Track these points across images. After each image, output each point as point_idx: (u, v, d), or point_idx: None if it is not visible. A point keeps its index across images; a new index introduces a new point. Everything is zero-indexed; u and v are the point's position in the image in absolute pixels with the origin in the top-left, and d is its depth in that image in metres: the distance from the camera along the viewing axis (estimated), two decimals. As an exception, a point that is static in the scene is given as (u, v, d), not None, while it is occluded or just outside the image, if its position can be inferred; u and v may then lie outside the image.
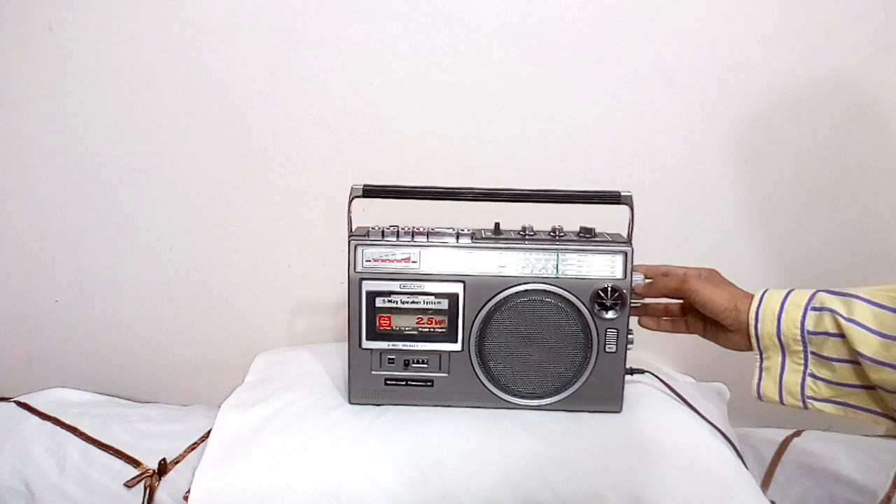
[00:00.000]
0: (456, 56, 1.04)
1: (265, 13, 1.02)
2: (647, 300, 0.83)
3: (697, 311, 0.82)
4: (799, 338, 0.74)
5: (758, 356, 0.78)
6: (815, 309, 0.74)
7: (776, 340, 0.75)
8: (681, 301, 0.85)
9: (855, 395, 0.74)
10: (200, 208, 1.10)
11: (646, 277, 0.82)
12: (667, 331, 0.86)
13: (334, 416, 0.80)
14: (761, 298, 0.76)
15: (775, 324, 0.75)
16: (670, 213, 1.09)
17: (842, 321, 0.71)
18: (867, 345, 0.69)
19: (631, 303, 0.79)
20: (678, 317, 0.85)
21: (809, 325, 0.74)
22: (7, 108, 1.07)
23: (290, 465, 0.74)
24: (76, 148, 1.08)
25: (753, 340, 0.77)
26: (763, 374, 0.78)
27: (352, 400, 0.82)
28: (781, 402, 0.77)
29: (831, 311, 0.72)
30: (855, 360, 0.71)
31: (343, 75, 1.04)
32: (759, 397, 0.79)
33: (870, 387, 0.72)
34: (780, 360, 0.76)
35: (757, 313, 0.76)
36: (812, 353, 0.74)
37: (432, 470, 0.74)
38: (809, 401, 0.76)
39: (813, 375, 0.75)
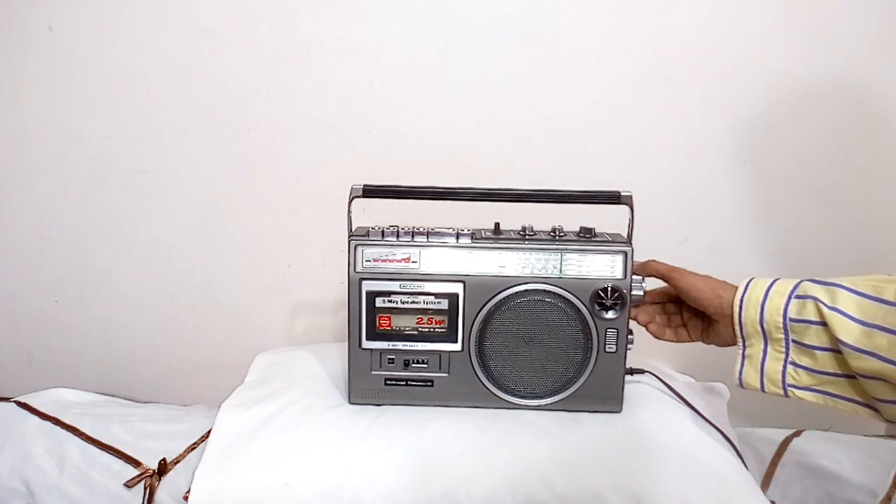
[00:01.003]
0: (456, 56, 1.04)
1: (265, 13, 1.02)
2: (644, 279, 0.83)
3: (696, 316, 0.83)
4: (781, 325, 0.75)
5: (741, 344, 0.78)
6: (798, 297, 0.74)
7: (759, 328, 0.76)
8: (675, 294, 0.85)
9: (835, 384, 0.74)
10: (200, 208, 1.10)
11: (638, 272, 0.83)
12: (671, 340, 0.86)
13: (334, 416, 0.80)
14: (747, 286, 0.77)
15: (758, 311, 0.75)
16: (670, 213, 1.09)
17: (824, 309, 0.71)
18: (848, 332, 0.70)
19: (631, 304, 0.79)
20: (679, 325, 0.86)
21: (792, 313, 0.74)
22: (7, 108, 1.07)
23: (290, 465, 0.74)
24: (76, 148, 1.08)
25: (737, 328, 0.77)
26: (745, 361, 0.78)
27: (352, 400, 0.82)
28: (762, 389, 0.77)
29: (815, 298, 0.72)
30: (836, 348, 0.72)
31: (343, 75, 1.04)
32: (741, 385, 0.79)
33: (850, 375, 0.72)
34: (762, 347, 0.77)
35: (742, 301, 0.76)
36: (793, 340, 0.75)
37: (432, 470, 0.74)
38: (790, 389, 0.76)
39: (794, 363, 0.75)
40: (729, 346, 0.80)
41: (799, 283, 0.75)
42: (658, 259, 0.84)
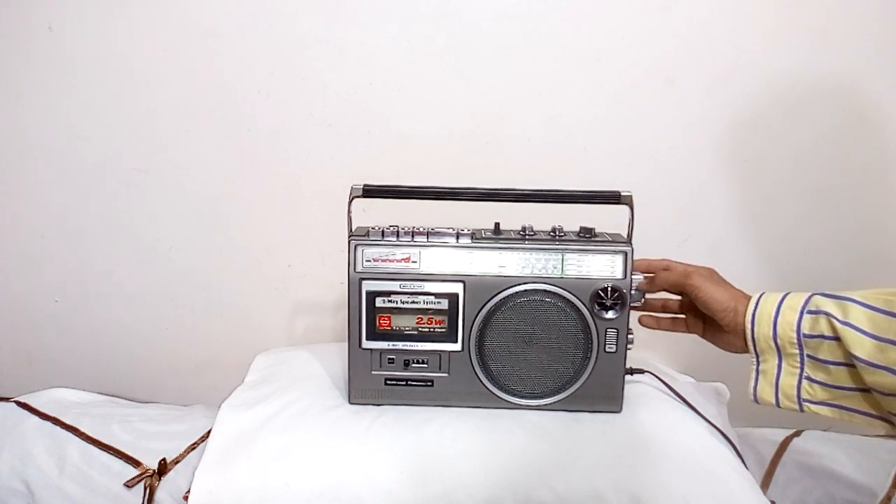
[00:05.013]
0: (456, 56, 1.04)
1: (265, 13, 1.02)
2: (647, 296, 0.83)
3: (697, 311, 0.83)
4: (795, 341, 0.74)
5: (754, 359, 0.78)
6: (811, 312, 0.74)
7: (772, 344, 0.76)
8: (679, 298, 0.85)
9: (850, 398, 0.74)
10: (200, 208, 1.10)
11: (647, 272, 0.82)
12: (667, 329, 0.86)
13: (334, 416, 0.80)
14: (758, 302, 0.77)
15: (771, 327, 0.75)
16: (670, 213, 1.09)
17: (837, 324, 0.71)
18: (861, 347, 0.69)
19: (631, 304, 0.79)
20: (677, 313, 0.85)
21: (805, 329, 0.74)
22: (7, 108, 1.07)
23: (290, 465, 0.74)
24: (76, 148, 1.08)
25: (750, 343, 0.77)
26: (760, 377, 0.78)
27: (352, 400, 0.83)
28: (778, 405, 0.77)
29: (827, 314, 0.72)
30: (850, 362, 0.71)
31: (343, 75, 1.04)
32: (756, 400, 0.79)
33: (865, 389, 0.72)
34: (776, 363, 0.76)
35: (753, 316, 0.76)
36: (808, 356, 0.74)
37: (432, 470, 0.74)
38: (806, 404, 0.76)
39: (809, 378, 0.75)
40: (735, 353, 0.80)
41: (810, 297, 0.75)
42: (665, 262, 0.83)
